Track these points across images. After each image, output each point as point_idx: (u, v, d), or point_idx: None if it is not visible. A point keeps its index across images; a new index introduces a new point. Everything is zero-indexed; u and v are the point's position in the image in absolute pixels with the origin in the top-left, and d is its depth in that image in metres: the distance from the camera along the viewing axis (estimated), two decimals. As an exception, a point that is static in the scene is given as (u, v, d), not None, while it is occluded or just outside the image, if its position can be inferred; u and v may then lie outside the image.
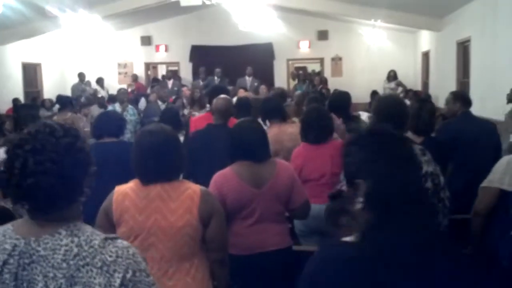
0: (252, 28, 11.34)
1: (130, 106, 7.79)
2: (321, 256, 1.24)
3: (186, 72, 13.81)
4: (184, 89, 10.31)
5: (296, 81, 12.80)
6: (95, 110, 8.74)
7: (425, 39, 11.80)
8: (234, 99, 5.34)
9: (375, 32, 12.42)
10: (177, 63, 14.11)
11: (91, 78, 12.92)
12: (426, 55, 11.82)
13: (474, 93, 6.73)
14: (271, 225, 2.69)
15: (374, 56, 12.89)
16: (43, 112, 9.27)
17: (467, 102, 4.09)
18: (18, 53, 11.98)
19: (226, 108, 3.96)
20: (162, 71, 14.83)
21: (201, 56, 13.44)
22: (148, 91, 11.71)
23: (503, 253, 2.62)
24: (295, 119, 4.70)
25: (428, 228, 1.23)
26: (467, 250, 2.78)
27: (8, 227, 1.35)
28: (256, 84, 10.69)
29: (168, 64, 14.54)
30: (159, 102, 8.95)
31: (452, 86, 8.63)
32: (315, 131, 3.49)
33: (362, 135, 1.37)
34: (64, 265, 1.25)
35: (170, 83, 12.23)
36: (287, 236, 2.79)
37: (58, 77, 13.66)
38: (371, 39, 12.78)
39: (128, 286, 1.27)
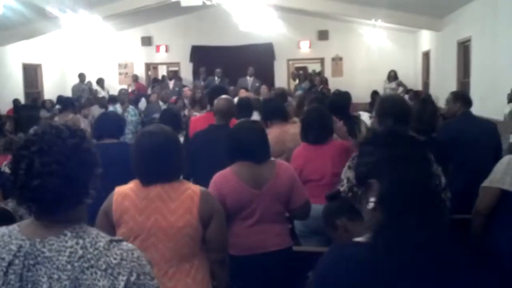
0: (252, 28, 11.32)
1: (131, 106, 7.76)
2: (332, 257, 1.24)
3: (186, 72, 13.81)
4: (186, 89, 10.32)
5: (297, 81, 12.80)
6: (96, 111, 8.73)
7: (426, 39, 11.79)
8: (236, 100, 5.34)
9: (376, 32, 12.42)
10: (177, 64, 14.11)
11: (91, 78, 12.91)
12: (426, 55, 11.82)
13: (474, 93, 6.72)
14: (271, 225, 2.68)
15: (374, 56, 12.88)
16: (43, 113, 9.24)
17: (468, 102, 4.09)
18: (19, 53, 11.98)
19: (227, 109, 3.93)
20: (162, 71, 14.83)
21: (202, 56, 13.44)
22: (149, 91, 11.72)
23: (504, 253, 2.62)
24: (296, 119, 4.70)
25: (440, 228, 1.23)
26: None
27: (15, 227, 1.34)
28: (257, 84, 10.69)
29: (168, 64, 14.55)
30: (161, 103, 8.95)
31: (453, 86, 8.62)
32: (315, 131, 3.48)
33: (377, 135, 1.38)
34: (69, 267, 1.25)
35: (171, 83, 12.23)
36: (287, 237, 2.79)
37: (58, 78, 13.66)
38: (371, 39, 12.79)
39: None
